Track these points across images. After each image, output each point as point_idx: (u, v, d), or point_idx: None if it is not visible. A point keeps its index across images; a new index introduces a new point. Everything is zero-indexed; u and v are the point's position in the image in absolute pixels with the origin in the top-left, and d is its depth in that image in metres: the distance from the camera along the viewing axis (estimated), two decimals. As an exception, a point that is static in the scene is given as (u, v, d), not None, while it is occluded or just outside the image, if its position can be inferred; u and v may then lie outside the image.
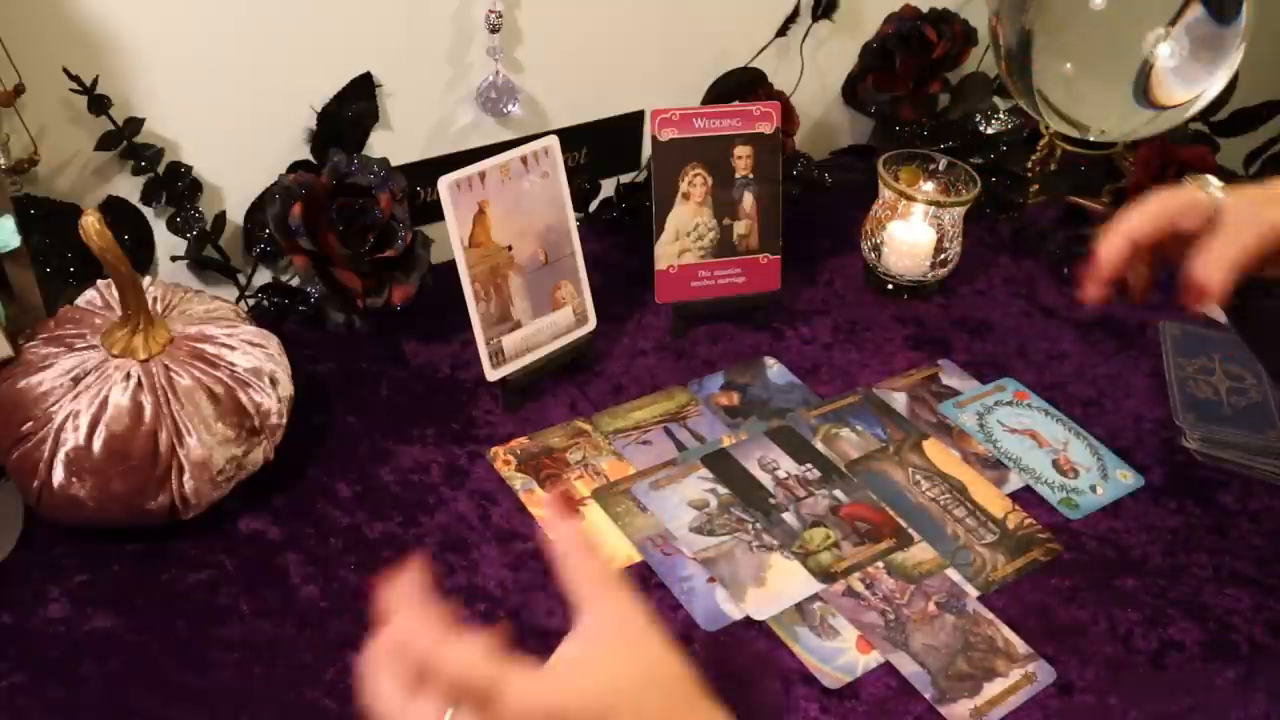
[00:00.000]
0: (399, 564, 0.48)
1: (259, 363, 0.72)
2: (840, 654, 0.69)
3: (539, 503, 0.78)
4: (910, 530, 0.78)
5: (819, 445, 0.85)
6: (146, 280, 0.74)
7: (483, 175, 0.80)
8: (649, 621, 0.47)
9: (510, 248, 0.83)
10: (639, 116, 1.06)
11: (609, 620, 0.47)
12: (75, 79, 0.77)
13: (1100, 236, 0.66)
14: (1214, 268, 0.62)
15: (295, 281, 0.94)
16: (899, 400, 0.90)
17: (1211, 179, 0.66)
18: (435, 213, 0.92)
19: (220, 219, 0.89)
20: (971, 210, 1.01)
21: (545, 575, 0.73)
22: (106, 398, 0.66)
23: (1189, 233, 0.64)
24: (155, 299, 0.73)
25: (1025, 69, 1.05)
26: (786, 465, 0.83)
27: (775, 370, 0.93)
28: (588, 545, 0.49)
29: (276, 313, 0.92)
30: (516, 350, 0.84)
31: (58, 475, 0.66)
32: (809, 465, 0.83)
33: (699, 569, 0.74)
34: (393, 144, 0.94)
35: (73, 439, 0.66)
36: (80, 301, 0.74)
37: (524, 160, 0.82)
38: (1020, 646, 0.71)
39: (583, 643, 0.47)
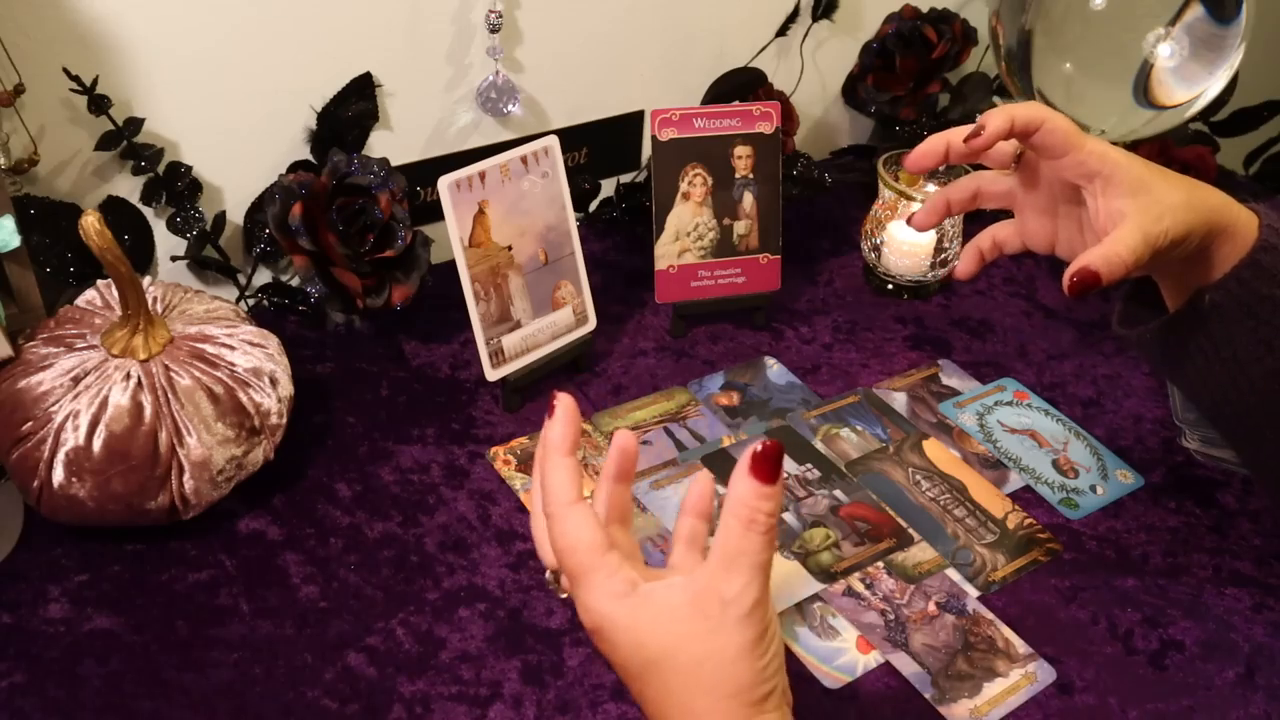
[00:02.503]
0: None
1: (259, 363, 0.72)
2: (840, 654, 0.69)
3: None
4: (910, 530, 0.78)
5: (819, 445, 0.85)
6: (146, 280, 0.74)
7: (483, 175, 0.80)
8: (743, 615, 0.47)
9: (510, 248, 0.83)
10: (639, 116, 1.06)
11: (709, 598, 0.47)
12: (75, 79, 0.77)
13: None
14: (1120, 244, 0.59)
15: (295, 281, 0.94)
16: (899, 400, 0.90)
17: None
18: (435, 213, 0.92)
19: (220, 219, 0.89)
20: (971, 210, 1.01)
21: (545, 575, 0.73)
22: (106, 398, 0.66)
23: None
24: (155, 299, 0.73)
25: (1025, 69, 1.05)
26: (786, 465, 0.83)
27: (775, 370, 0.93)
28: (765, 522, 0.48)
29: (276, 313, 0.92)
30: (516, 350, 0.84)
31: (58, 475, 0.66)
32: (809, 465, 0.83)
33: (699, 569, 0.74)
34: (393, 144, 0.94)
35: (73, 439, 0.66)
36: (80, 301, 0.74)
37: (524, 160, 0.82)
38: (1020, 646, 0.71)
39: (677, 601, 0.47)
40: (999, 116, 0.62)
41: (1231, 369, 0.63)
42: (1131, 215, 0.60)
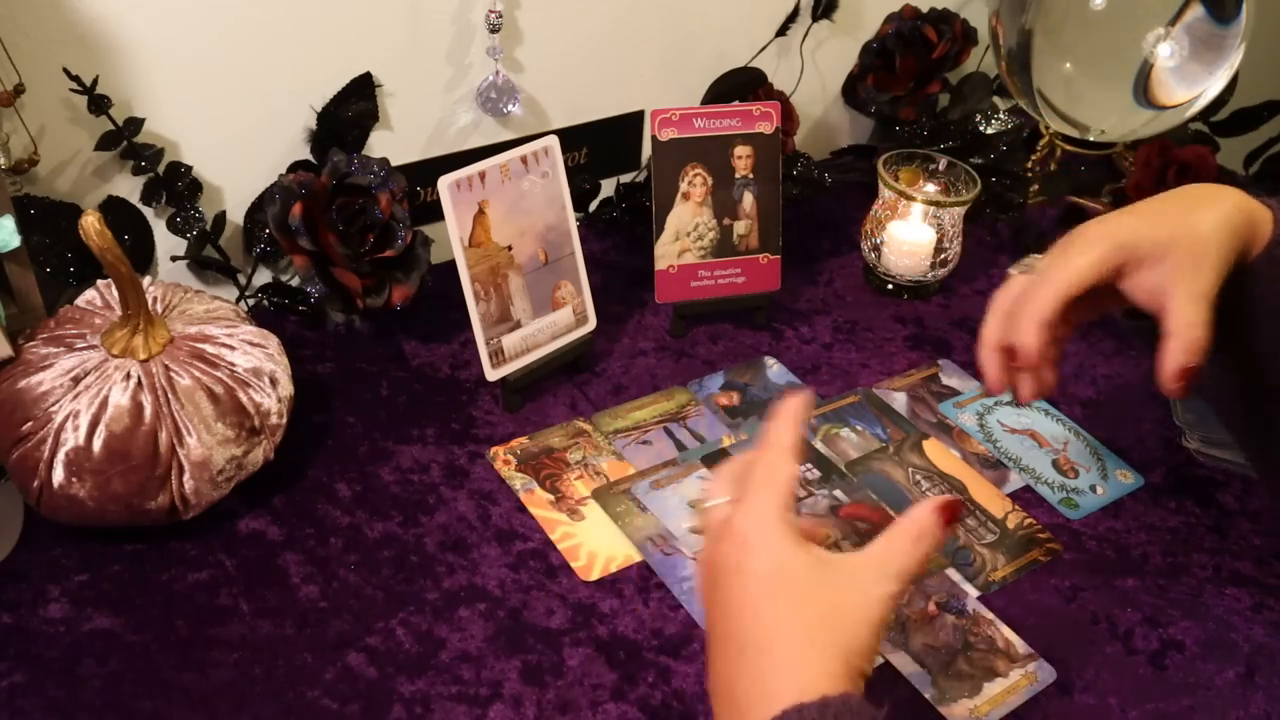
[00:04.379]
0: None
1: (259, 363, 0.72)
2: (840, 654, 0.69)
3: (539, 503, 0.78)
4: (910, 530, 0.78)
5: (819, 445, 0.85)
6: (146, 280, 0.74)
7: (483, 175, 0.80)
8: (886, 596, 0.50)
9: (510, 248, 0.83)
10: (639, 116, 1.06)
11: (868, 570, 0.51)
12: (75, 79, 0.77)
13: (979, 359, 0.67)
14: (1022, 329, 0.62)
15: (295, 281, 0.94)
16: (899, 400, 0.90)
17: (1037, 257, 0.67)
18: (435, 213, 0.92)
19: (220, 219, 0.89)
20: (971, 210, 1.01)
21: (545, 575, 0.73)
22: (106, 398, 0.66)
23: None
24: (155, 299, 0.73)
25: (1025, 69, 1.05)
26: (786, 465, 0.83)
27: (775, 370, 0.93)
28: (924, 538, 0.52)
29: (276, 313, 0.92)
30: (516, 350, 0.84)
31: (58, 475, 0.66)
32: (809, 465, 0.83)
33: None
34: (393, 144, 0.94)
35: (73, 439, 0.66)
36: (80, 301, 0.74)
37: (524, 160, 0.82)
38: (1020, 646, 0.71)
39: (839, 559, 0.51)
40: (1029, 332, 0.62)
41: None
42: (1172, 284, 0.60)
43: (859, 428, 0.87)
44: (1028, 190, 1.16)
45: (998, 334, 0.65)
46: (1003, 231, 1.13)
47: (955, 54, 1.15)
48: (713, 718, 0.51)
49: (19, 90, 0.75)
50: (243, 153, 0.88)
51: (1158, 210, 0.63)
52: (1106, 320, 1.02)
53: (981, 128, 1.18)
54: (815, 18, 1.11)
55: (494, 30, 0.91)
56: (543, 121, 1.01)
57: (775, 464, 0.53)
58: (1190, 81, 1.01)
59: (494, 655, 0.67)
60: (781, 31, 1.09)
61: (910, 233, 1.00)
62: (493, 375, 0.83)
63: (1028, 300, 0.62)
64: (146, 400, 0.67)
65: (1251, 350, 0.64)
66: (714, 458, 0.83)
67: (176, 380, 0.68)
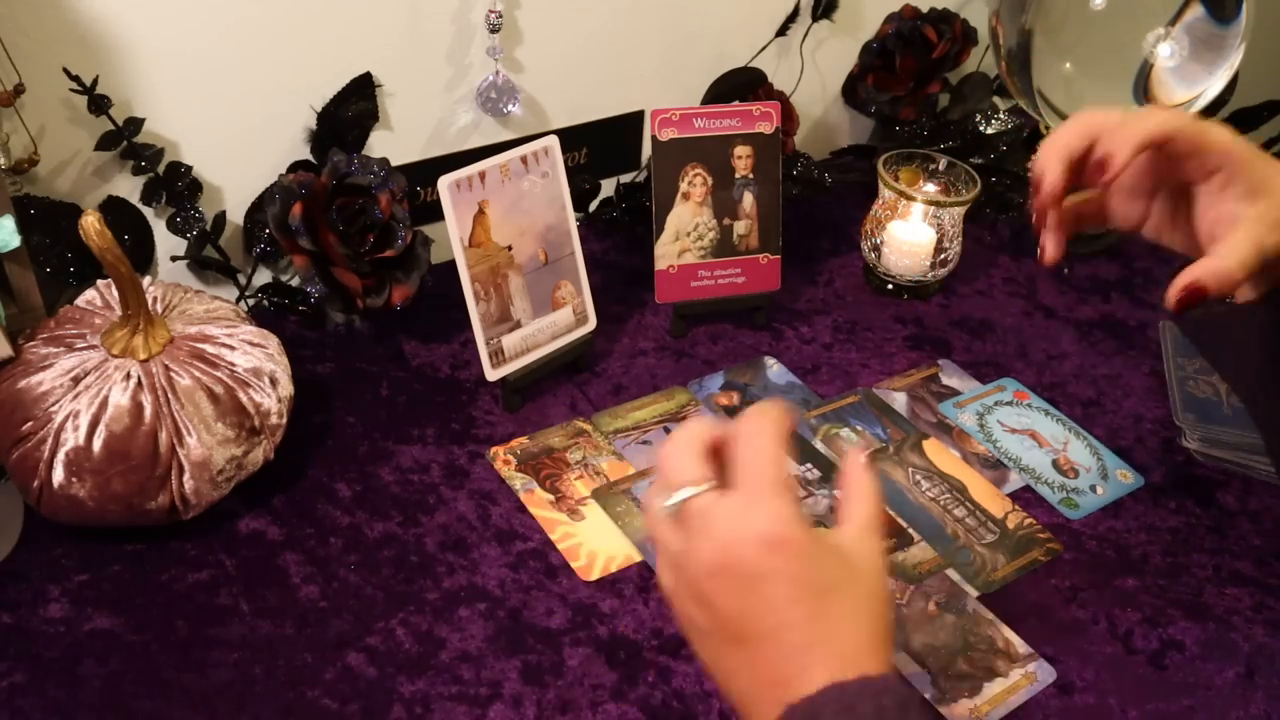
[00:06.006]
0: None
1: (259, 363, 0.72)
2: (840, 654, 0.69)
3: (539, 502, 0.78)
4: (910, 530, 0.78)
5: (819, 445, 0.85)
6: (146, 280, 0.74)
7: (483, 175, 0.80)
8: (884, 568, 0.51)
9: (510, 248, 0.83)
10: (639, 116, 1.06)
11: (866, 541, 0.51)
12: (75, 79, 0.77)
13: (1038, 156, 0.61)
14: (1119, 140, 0.57)
15: (295, 281, 0.94)
16: (899, 400, 0.90)
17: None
18: (435, 213, 0.92)
19: (220, 219, 0.89)
20: (971, 210, 1.01)
21: (545, 575, 0.73)
22: (106, 398, 0.66)
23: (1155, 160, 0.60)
24: (155, 299, 0.73)
25: (1025, 69, 1.05)
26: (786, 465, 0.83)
27: (775, 370, 0.93)
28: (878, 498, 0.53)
29: (276, 313, 0.92)
30: (516, 350, 0.84)
31: (58, 475, 0.66)
32: (809, 465, 0.83)
33: (699, 569, 0.74)
34: (393, 144, 0.94)
35: (73, 439, 0.66)
36: (80, 301, 0.74)
37: (524, 160, 0.82)
38: (1020, 646, 0.71)
39: (851, 538, 0.51)
40: (1125, 146, 0.57)
41: None
42: (1246, 223, 0.56)
43: (859, 428, 0.87)
44: (1028, 190, 1.16)
45: (1072, 137, 0.59)
46: (1003, 231, 1.13)
47: (955, 54, 1.15)
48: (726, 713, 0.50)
49: (19, 90, 0.75)
50: (243, 153, 0.88)
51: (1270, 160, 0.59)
52: (1107, 320, 1.02)
53: (981, 128, 1.18)
54: (815, 18, 1.11)
55: (494, 30, 0.91)
56: (543, 121, 1.01)
57: (778, 457, 0.51)
58: (1190, 81, 1.01)
59: (494, 655, 0.67)
60: (781, 31, 1.09)
61: (910, 233, 1.00)
62: (493, 375, 0.83)
63: (1124, 125, 0.57)
64: (146, 400, 0.67)
65: None
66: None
67: (176, 380, 0.68)
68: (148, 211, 0.87)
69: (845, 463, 0.52)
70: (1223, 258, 0.56)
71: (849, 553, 0.50)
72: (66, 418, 0.66)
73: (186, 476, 0.68)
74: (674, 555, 0.50)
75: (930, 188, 1.03)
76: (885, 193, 1.01)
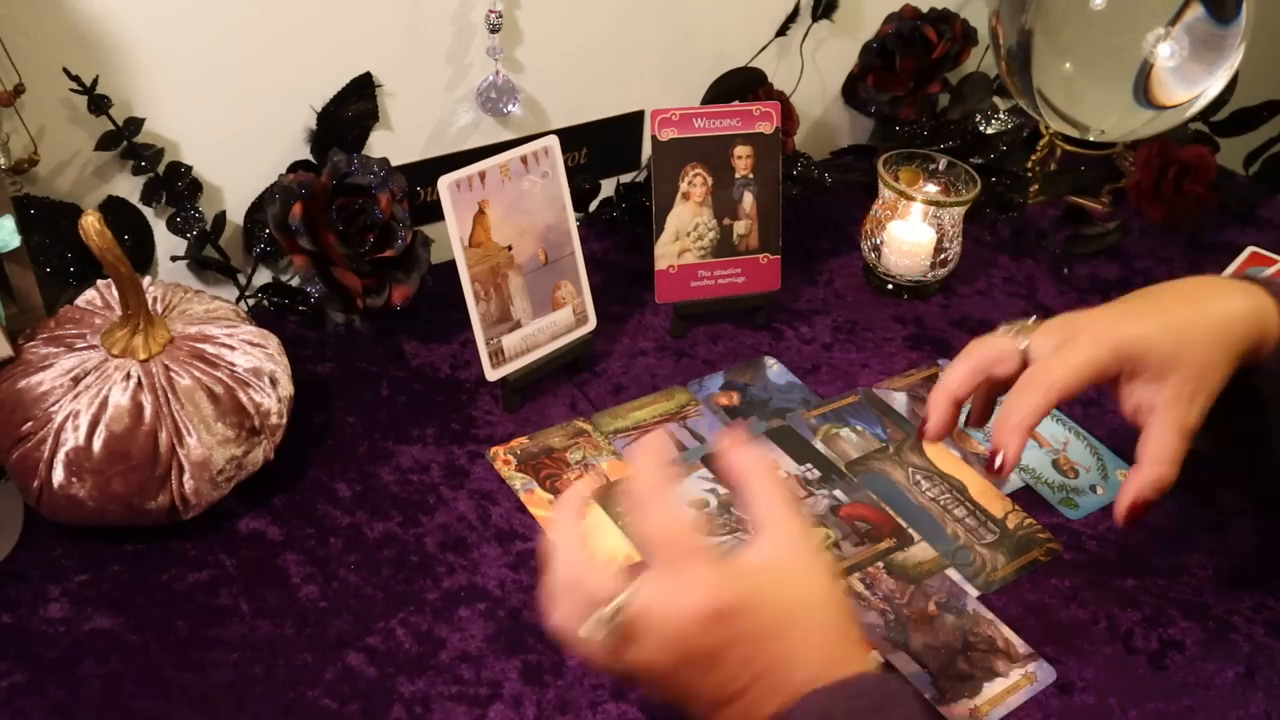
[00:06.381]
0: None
1: (259, 363, 0.72)
2: (840, 654, 0.69)
3: (539, 502, 0.78)
4: (910, 530, 0.78)
5: (819, 445, 0.85)
6: (146, 280, 0.74)
7: (483, 175, 0.80)
8: (819, 548, 0.52)
9: (510, 248, 0.83)
10: (639, 116, 1.06)
11: (786, 543, 0.51)
12: (75, 79, 0.77)
13: (929, 398, 0.66)
14: (1007, 432, 0.60)
15: (295, 281, 0.94)
16: (899, 400, 0.90)
17: (1028, 322, 0.65)
18: (435, 213, 0.92)
19: (220, 219, 0.89)
20: (971, 210, 1.01)
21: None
22: (106, 398, 0.66)
23: (1007, 380, 0.64)
24: (155, 299, 0.73)
25: (1025, 69, 1.05)
26: (786, 465, 0.83)
27: (775, 370, 0.93)
28: (771, 470, 0.54)
29: (276, 313, 0.92)
30: (516, 350, 0.84)
31: (58, 475, 0.66)
32: (809, 465, 0.83)
33: (699, 569, 0.74)
34: (393, 144, 0.94)
35: (73, 439, 0.66)
36: (80, 301, 0.74)
37: (524, 160, 0.82)
38: (1020, 646, 0.71)
39: (763, 558, 0.51)
40: (1014, 439, 0.60)
41: None
42: (1163, 409, 0.58)
43: (859, 428, 0.87)
44: (1028, 190, 1.16)
45: (960, 385, 0.64)
46: (1003, 231, 1.13)
47: (955, 54, 1.15)
48: None
49: (19, 90, 0.75)
50: (243, 153, 0.88)
51: (1166, 311, 0.61)
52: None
53: (981, 128, 1.19)
54: (815, 18, 1.11)
55: (494, 30, 0.91)
56: (543, 121, 1.01)
57: (676, 512, 0.51)
58: (1190, 81, 1.02)
59: (494, 655, 0.67)
60: (781, 31, 1.09)
61: (910, 233, 1.00)
62: (493, 375, 0.83)
63: (1018, 398, 0.61)
64: (146, 400, 0.67)
65: (1267, 446, 0.63)
66: (714, 458, 0.83)
67: (176, 380, 0.68)
68: (148, 211, 0.87)
69: (719, 456, 0.52)
70: (1154, 463, 0.59)
71: (783, 571, 0.50)
72: (66, 418, 0.66)
73: (186, 476, 0.68)
74: (632, 666, 0.51)
75: (930, 188, 1.03)
76: (885, 193, 1.01)
